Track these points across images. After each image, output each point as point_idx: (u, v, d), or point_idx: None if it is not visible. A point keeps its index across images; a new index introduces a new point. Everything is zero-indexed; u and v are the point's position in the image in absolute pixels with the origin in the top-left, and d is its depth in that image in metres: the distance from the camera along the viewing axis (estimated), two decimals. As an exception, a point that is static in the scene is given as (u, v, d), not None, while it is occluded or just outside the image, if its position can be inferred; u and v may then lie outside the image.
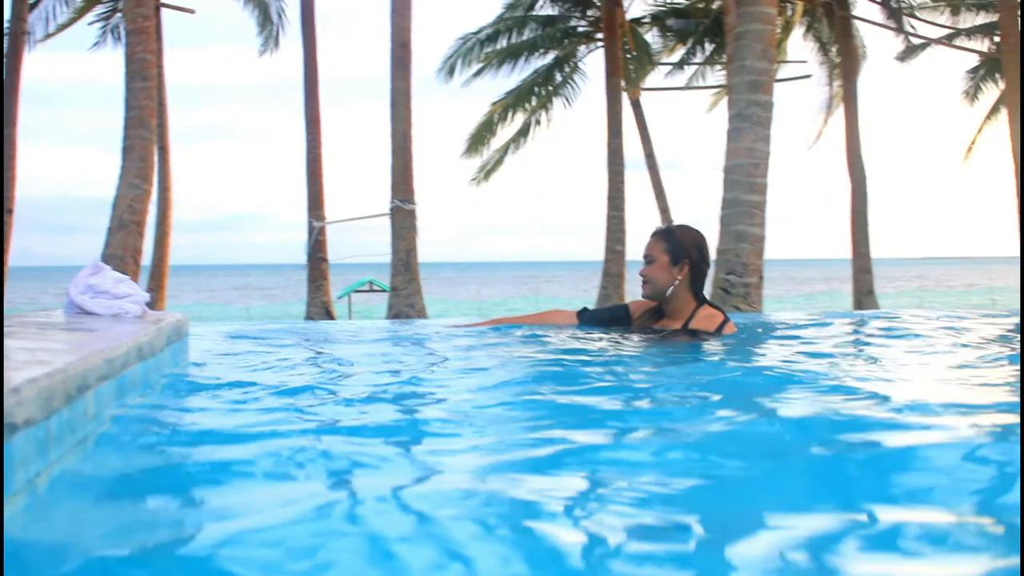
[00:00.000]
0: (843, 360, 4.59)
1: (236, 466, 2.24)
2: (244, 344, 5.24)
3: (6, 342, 2.42)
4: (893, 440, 2.43)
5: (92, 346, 2.39)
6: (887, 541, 1.63)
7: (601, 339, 5.05)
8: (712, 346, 4.84)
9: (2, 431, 1.61)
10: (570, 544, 1.67)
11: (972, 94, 26.96)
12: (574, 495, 2.01)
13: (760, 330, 6.07)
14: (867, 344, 5.51)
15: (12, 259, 21.69)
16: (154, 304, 21.06)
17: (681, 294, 5.11)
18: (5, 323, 3.09)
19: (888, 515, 1.79)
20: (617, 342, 4.99)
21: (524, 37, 25.52)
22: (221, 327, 6.45)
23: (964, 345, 5.09)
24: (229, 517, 1.84)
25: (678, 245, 5.09)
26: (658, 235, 5.20)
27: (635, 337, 5.14)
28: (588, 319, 5.56)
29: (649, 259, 5.11)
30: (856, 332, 6.08)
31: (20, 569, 1.48)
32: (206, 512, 1.92)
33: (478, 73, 25.55)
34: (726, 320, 5.19)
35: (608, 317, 5.55)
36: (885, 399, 3.13)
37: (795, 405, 3.19)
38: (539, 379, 3.83)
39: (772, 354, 4.89)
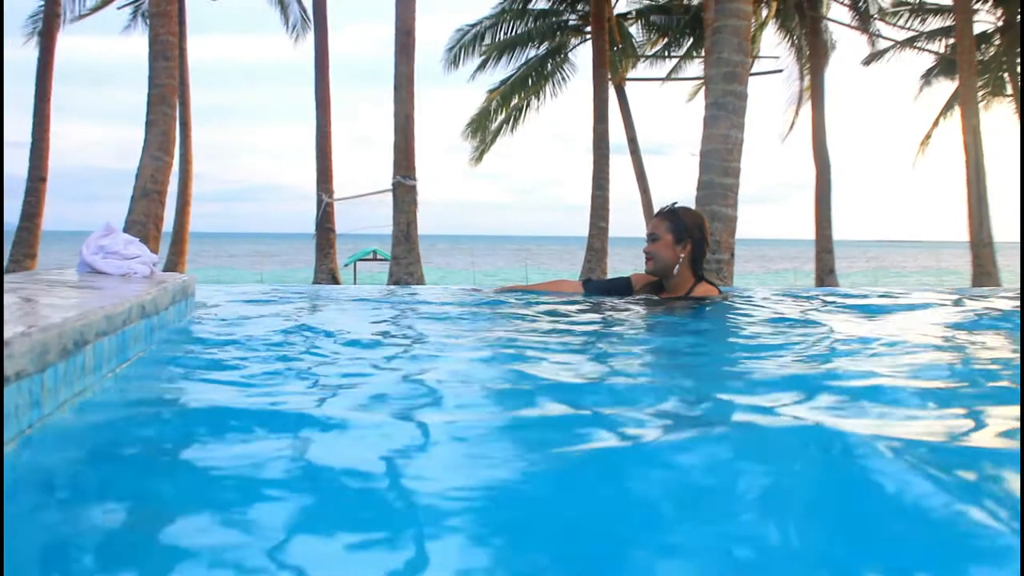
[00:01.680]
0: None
1: (230, 421, 2.15)
2: (249, 305, 5.13)
3: (10, 298, 2.31)
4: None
5: (93, 303, 2.29)
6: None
7: (613, 305, 5.02)
8: (711, 311, 4.88)
9: (2, 432, 1.51)
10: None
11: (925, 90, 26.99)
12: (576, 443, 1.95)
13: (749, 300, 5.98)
14: (834, 315, 5.45)
15: (46, 224, 21.62)
16: (175, 267, 21.25)
17: (682, 271, 5.07)
18: (16, 280, 2.98)
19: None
20: (627, 308, 4.96)
21: (519, 30, 25.50)
22: (231, 288, 6.35)
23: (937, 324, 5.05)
24: (217, 473, 1.76)
25: (681, 225, 5.04)
26: (662, 215, 5.16)
27: (642, 303, 5.10)
28: (593, 289, 5.55)
29: (653, 237, 5.06)
30: (826, 305, 5.99)
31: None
32: (194, 468, 1.83)
33: (481, 66, 25.58)
34: (721, 293, 5.23)
35: (612, 288, 5.48)
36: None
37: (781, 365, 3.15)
38: (548, 335, 3.88)
39: (762, 319, 4.90)
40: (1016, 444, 1.99)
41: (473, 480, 1.68)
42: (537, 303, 5.24)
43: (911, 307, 5.78)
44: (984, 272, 19.68)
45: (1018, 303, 6.04)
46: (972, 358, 3.60)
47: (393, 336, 4.03)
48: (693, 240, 5.03)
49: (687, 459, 1.78)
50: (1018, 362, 3.40)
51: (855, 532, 1.44)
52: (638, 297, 5.27)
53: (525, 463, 1.83)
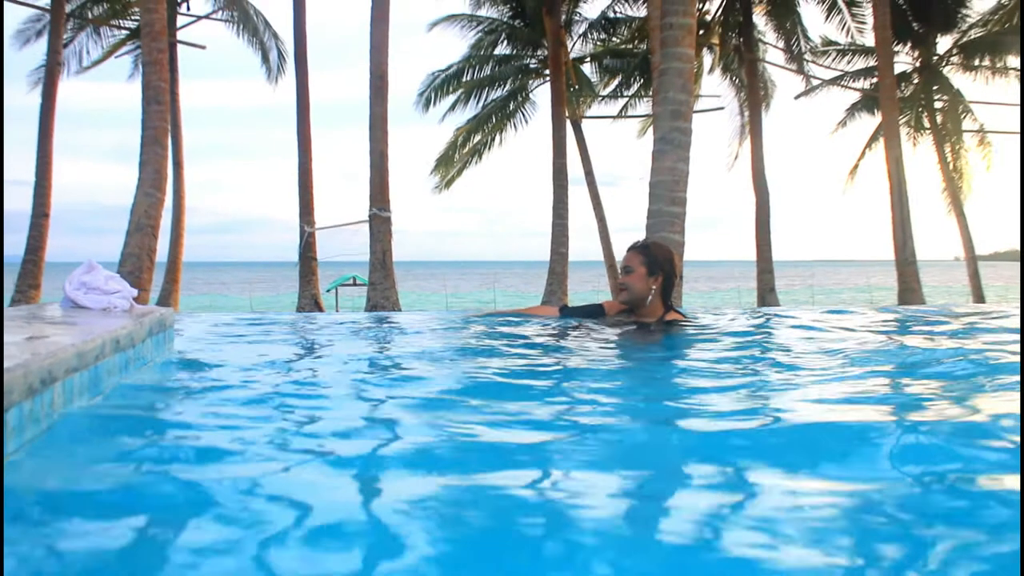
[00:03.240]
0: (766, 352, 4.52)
1: (206, 449, 2.06)
2: (231, 332, 5.02)
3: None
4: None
5: (62, 341, 2.18)
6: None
7: (589, 330, 4.97)
8: (678, 336, 4.83)
9: (2, 439, 1.41)
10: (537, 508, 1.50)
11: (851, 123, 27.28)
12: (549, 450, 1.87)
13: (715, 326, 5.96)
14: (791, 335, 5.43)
15: (51, 256, 21.44)
16: (170, 294, 20.99)
17: (654, 301, 5.05)
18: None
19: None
20: (601, 332, 4.91)
21: (485, 73, 25.60)
22: (213, 317, 6.22)
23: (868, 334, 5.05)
24: (195, 498, 1.66)
25: (654, 259, 5.03)
26: (637, 249, 5.13)
27: (615, 329, 5.03)
28: (568, 314, 5.50)
29: (628, 270, 5.04)
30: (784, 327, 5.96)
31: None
32: (170, 489, 1.73)
33: (452, 108, 25.67)
34: (686, 320, 5.21)
35: (585, 314, 5.43)
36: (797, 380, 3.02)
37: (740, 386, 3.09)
38: (527, 356, 3.93)
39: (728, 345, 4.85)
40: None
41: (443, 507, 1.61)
42: (519, 326, 5.20)
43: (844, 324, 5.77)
44: (908, 288, 19.83)
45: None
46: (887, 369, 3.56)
47: (368, 364, 3.94)
48: (664, 273, 5.01)
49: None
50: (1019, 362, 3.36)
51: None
52: (614, 319, 5.22)
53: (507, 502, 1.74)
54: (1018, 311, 6.32)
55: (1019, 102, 20.47)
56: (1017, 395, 2.24)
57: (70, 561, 1.35)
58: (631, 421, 2.51)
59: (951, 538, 1.48)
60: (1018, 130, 21.08)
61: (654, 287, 4.99)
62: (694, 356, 4.18)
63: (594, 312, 5.40)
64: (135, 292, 3.46)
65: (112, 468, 1.88)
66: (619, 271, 5.13)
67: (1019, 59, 21.64)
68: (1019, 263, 16.47)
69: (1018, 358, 3.50)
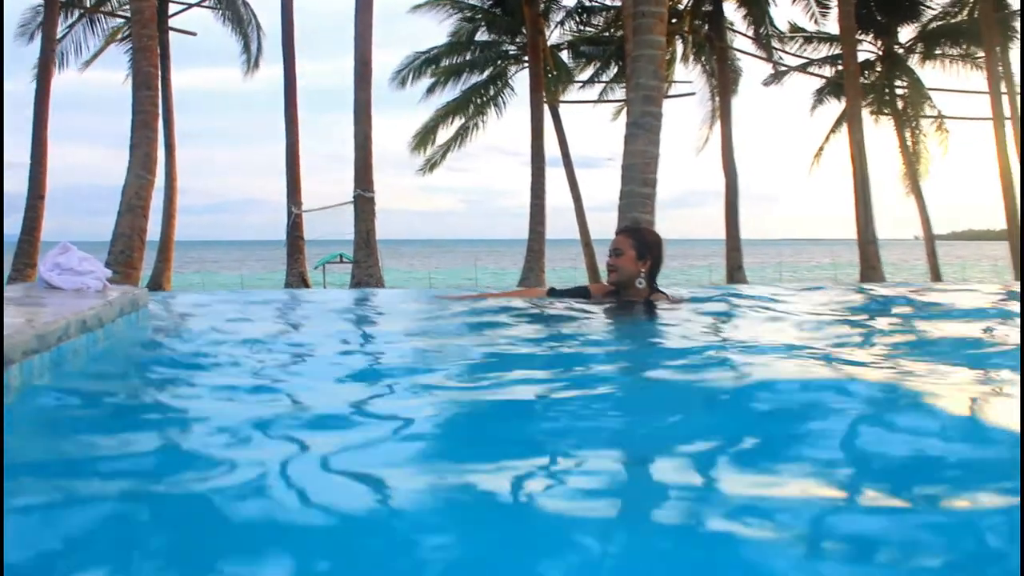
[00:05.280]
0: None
1: (181, 428, 1.98)
2: (210, 310, 4.92)
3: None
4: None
5: (19, 322, 2.09)
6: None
7: (577, 309, 4.91)
8: (662, 316, 4.75)
9: (2, 431, 1.32)
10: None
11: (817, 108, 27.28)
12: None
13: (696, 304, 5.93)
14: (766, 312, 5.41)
15: (47, 235, 21.26)
16: (162, 272, 20.89)
17: (641, 283, 4.95)
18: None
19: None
20: (589, 313, 4.85)
21: (465, 58, 25.42)
22: (193, 296, 6.12)
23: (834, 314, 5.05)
24: (160, 475, 1.58)
25: (643, 243, 4.94)
26: (627, 232, 5.07)
27: (602, 309, 4.98)
28: (556, 296, 5.41)
29: (618, 252, 4.94)
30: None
31: None
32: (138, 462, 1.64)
33: (431, 89, 25.45)
34: (671, 300, 5.10)
35: (573, 295, 5.36)
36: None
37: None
38: (522, 336, 3.89)
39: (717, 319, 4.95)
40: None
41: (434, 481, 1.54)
42: (508, 306, 5.15)
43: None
44: (870, 266, 19.91)
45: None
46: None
47: (350, 340, 3.86)
48: (653, 257, 4.94)
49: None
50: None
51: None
52: (601, 300, 5.15)
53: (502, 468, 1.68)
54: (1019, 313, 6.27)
55: (1020, 95, 20.49)
56: (1017, 398, 2.19)
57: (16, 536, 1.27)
58: (619, 397, 2.46)
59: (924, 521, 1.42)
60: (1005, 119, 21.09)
61: (643, 270, 4.90)
62: (678, 335, 4.13)
63: (581, 294, 5.33)
64: (109, 273, 3.36)
65: (66, 444, 1.80)
66: (608, 252, 5.04)
67: (1020, 58, 21.64)
68: (1020, 256, 16.46)
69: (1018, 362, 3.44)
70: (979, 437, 1.83)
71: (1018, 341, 3.59)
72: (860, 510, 1.46)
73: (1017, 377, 2.54)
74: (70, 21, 24.87)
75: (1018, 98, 21.13)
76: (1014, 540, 1.26)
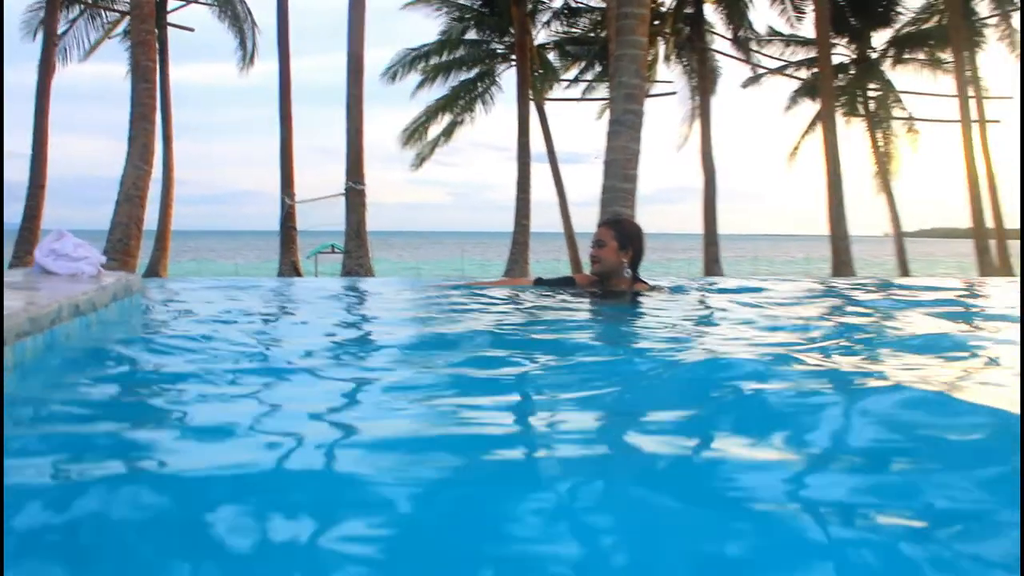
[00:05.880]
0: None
1: (169, 410, 1.96)
2: (201, 295, 4.90)
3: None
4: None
5: (16, 305, 2.08)
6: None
7: (563, 298, 4.93)
8: (644, 305, 4.78)
9: (2, 429, 1.31)
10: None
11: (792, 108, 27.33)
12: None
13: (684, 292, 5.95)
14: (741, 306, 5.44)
15: (46, 223, 21.16)
16: (159, 260, 20.81)
17: (624, 273, 4.96)
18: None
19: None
20: (574, 302, 4.86)
21: (454, 56, 25.34)
22: (187, 283, 6.09)
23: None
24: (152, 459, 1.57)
25: (625, 234, 4.96)
26: (609, 224, 5.08)
27: (587, 297, 4.99)
28: (542, 285, 5.42)
29: (600, 243, 4.94)
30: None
31: None
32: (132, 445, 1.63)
33: (421, 85, 25.35)
34: (653, 290, 5.14)
35: (559, 285, 5.36)
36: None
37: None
38: (508, 325, 3.85)
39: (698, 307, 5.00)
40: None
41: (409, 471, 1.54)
42: (496, 295, 5.17)
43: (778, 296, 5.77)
44: (842, 261, 20.00)
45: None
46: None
47: (338, 326, 3.84)
48: (635, 248, 4.94)
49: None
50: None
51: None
52: (585, 290, 5.16)
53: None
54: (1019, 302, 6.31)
55: (1019, 95, 20.54)
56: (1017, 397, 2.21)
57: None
58: (601, 384, 2.46)
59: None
60: (995, 119, 21.22)
61: (625, 260, 4.91)
62: (658, 323, 4.15)
63: (567, 283, 5.34)
64: (103, 259, 3.34)
65: (54, 426, 1.79)
66: (591, 244, 5.03)
67: (1020, 57, 21.66)
68: (1019, 252, 16.48)
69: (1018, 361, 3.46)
70: (941, 413, 1.85)
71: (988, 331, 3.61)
72: (824, 478, 1.49)
73: (1018, 378, 2.56)
74: (72, 16, 24.68)
75: (1017, 100, 21.07)
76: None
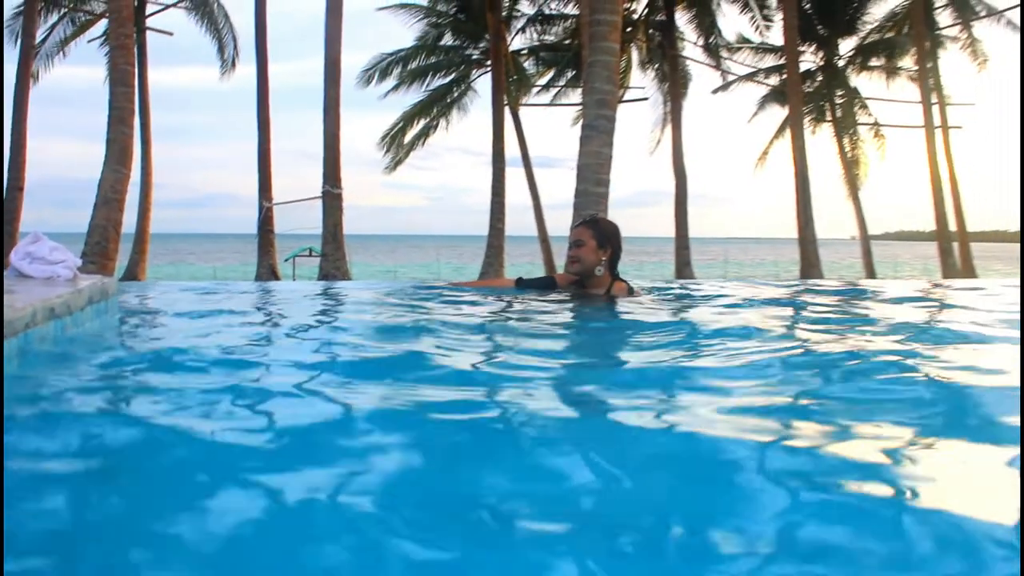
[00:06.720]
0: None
1: (144, 413, 1.95)
2: (178, 298, 4.86)
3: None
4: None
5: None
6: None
7: (543, 299, 4.91)
8: (624, 304, 4.77)
9: (2, 428, 1.29)
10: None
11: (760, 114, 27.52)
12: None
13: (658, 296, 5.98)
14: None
15: (24, 226, 20.92)
16: (137, 264, 20.59)
17: (603, 272, 4.95)
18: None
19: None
20: (557, 301, 4.84)
21: (430, 61, 25.30)
22: (165, 286, 6.04)
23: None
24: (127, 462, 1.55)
25: (603, 233, 4.93)
26: (587, 223, 5.03)
27: (568, 297, 4.97)
28: (524, 286, 5.39)
29: (578, 243, 4.92)
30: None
31: None
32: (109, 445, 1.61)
33: (395, 88, 25.27)
34: (632, 290, 5.11)
35: (540, 285, 5.34)
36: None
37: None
38: (493, 324, 3.89)
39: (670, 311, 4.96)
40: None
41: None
42: (478, 296, 5.17)
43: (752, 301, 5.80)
44: (810, 264, 20.17)
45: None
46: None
47: (314, 329, 3.81)
48: (612, 246, 4.93)
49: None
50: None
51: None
52: (566, 290, 5.15)
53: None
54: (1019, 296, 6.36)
55: (1019, 95, 20.64)
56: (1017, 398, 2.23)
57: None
58: (580, 381, 2.48)
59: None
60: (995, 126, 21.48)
61: (603, 259, 4.90)
62: (637, 321, 4.17)
63: (548, 284, 5.33)
64: (79, 262, 3.31)
65: (27, 427, 1.76)
66: (569, 245, 5.01)
67: (1020, 56, 21.84)
68: (1019, 252, 16.61)
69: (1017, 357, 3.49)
70: (899, 391, 1.90)
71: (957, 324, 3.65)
72: (787, 451, 1.59)
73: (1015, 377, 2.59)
74: (51, 21, 24.44)
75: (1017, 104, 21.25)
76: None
